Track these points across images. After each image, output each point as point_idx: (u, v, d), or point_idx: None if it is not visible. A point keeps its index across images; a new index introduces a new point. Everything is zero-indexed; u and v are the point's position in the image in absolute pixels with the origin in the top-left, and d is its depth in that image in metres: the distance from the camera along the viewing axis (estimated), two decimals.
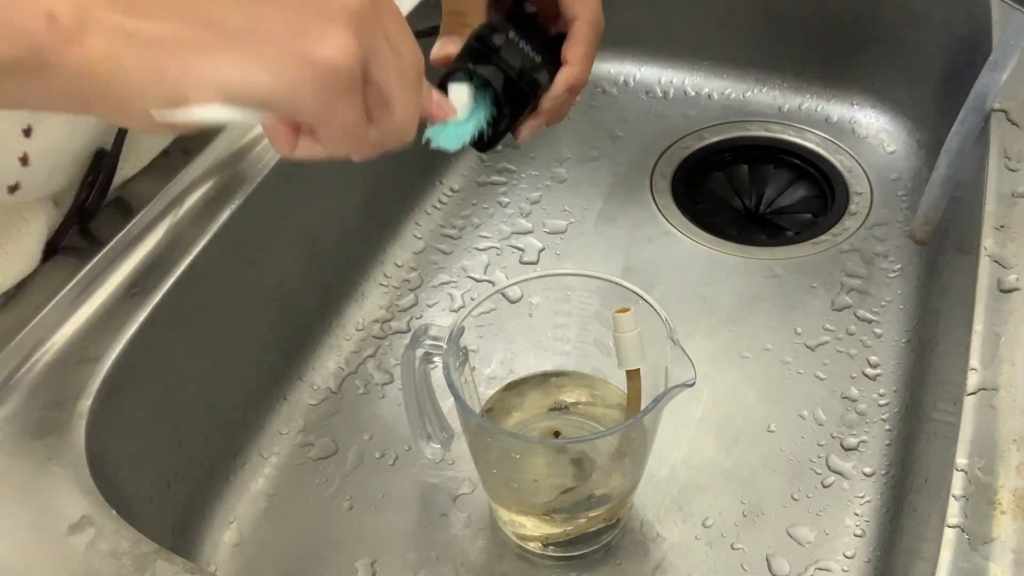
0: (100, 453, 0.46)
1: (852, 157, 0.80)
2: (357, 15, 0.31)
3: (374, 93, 0.34)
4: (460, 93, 0.42)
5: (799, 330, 0.66)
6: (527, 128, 0.46)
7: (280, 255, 0.63)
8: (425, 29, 0.49)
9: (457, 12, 0.45)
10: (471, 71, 0.43)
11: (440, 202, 0.78)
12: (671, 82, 0.89)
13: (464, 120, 0.42)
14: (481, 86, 0.43)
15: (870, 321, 0.67)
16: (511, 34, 0.43)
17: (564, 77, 0.45)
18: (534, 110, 0.46)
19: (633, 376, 0.50)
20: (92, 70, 0.29)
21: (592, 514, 0.53)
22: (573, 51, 0.45)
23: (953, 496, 0.41)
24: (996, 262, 0.51)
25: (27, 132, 0.48)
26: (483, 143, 0.45)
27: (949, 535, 0.40)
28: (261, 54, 0.30)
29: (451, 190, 0.79)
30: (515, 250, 0.74)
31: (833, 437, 0.60)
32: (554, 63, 0.46)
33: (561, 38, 0.46)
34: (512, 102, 0.44)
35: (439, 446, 0.55)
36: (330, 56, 0.30)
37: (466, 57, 0.43)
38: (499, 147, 0.47)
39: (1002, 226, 0.53)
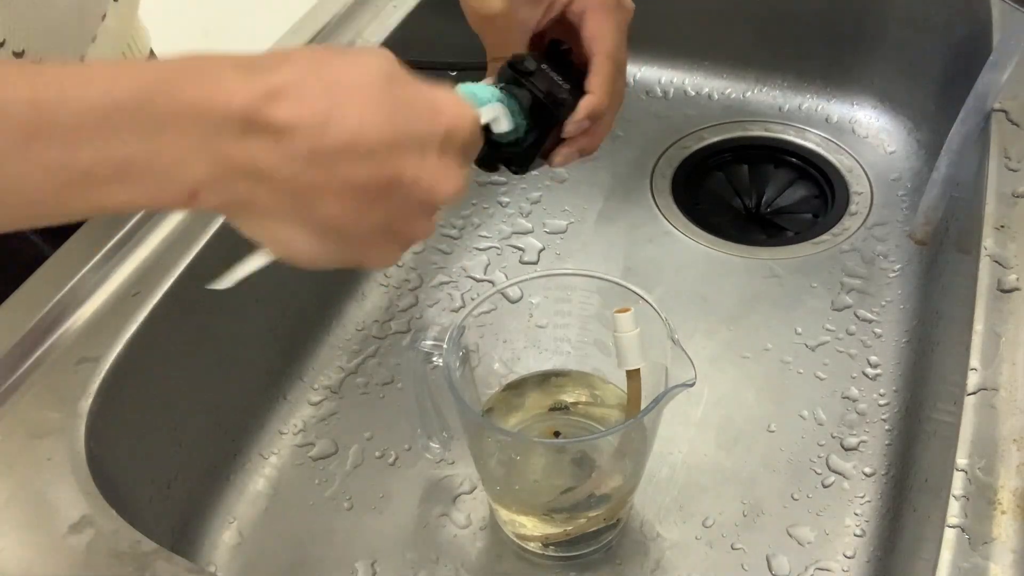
0: (100, 453, 0.46)
1: (852, 157, 0.80)
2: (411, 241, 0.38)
3: None
4: (489, 111, 0.44)
5: (799, 330, 0.66)
6: (559, 155, 0.49)
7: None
8: (468, 64, 0.54)
9: (501, 58, 0.49)
10: (502, 89, 0.46)
11: None
12: (671, 82, 0.89)
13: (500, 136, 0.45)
14: (512, 104, 0.46)
15: (870, 321, 0.67)
16: (542, 65, 0.47)
17: (584, 104, 0.48)
18: (560, 135, 0.49)
19: (633, 376, 0.50)
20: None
21: (592, 514, 0.53)
22: (592, 82, 0.49)
23: (953, 496, 0.41)
24: (996, 262, 0.51)
25: None
26: (517, 161, 0.48)
27: (949, 535, 0.40)
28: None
29: None
30: (515, 250, 0.74)
31: (833, 437, 0.60)
32: (582, 93, 0.49)
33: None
34: (538, 120, 0.47)
35: (439, 446, 0.55)
36: (379, 265, 0.39)
37: (499, 79, 0.47)
38: (535, 171, 0.50)
39: (1002, 226, 0.53)
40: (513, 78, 0.47)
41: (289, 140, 0.32)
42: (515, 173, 0.50)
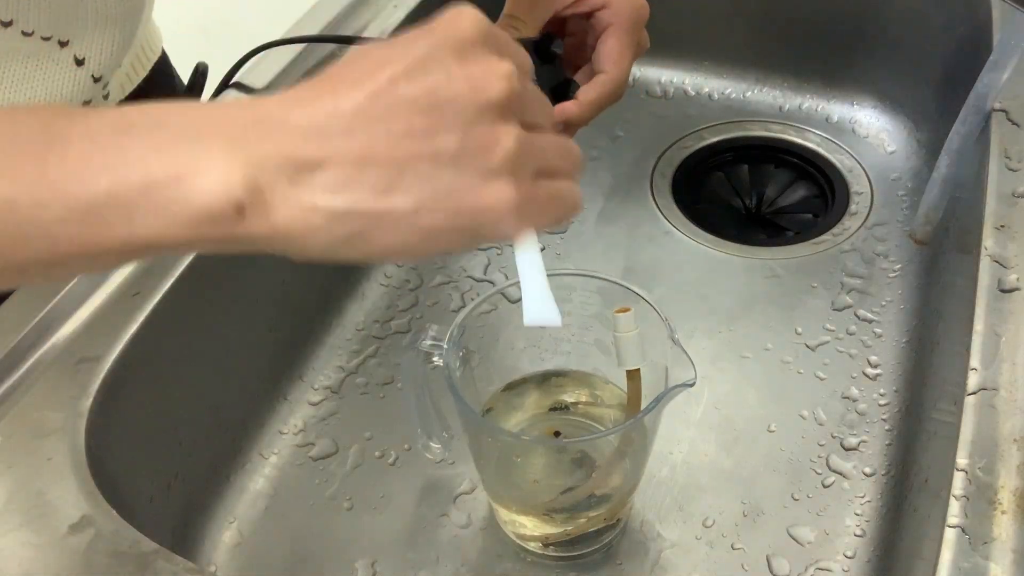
0: (100, 453, 0.46)
1: (852, 157, 0.80)
2: (511, 162, 0.31)
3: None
4: None
5: (799, 330, 0.66)
6: None
7: (280, 255, 0.63)
8: None
9: (513, 16, 0.48)
10: None
11: None
12: (671, 82, 0.89)
13: None
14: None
15: (870, 321, 0.67)
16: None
17: (561, 108, 0.46)
18: None
19: (633, 376, 0.50)
20: (277, 238, 0.31)
21: (592, 514, 0.53)
22: (584, 93, 0.48)
23: (953, 496, 0.41)
24: (996, 262, 0.51)
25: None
26: None
27: (949, 535, 0.40)
28: (425, 229, 0.31)
29: None
30: None
31: (833, 437, 0.60)
32: (557, 101, 0.48)
33: (573, 84, 0.50)
34: None
35: (440, 446, 0.55)
36: (499, 210, 0.33)
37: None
38: None
39: (1002, 226, 0.53)
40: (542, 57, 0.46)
41: (310, 110, 0.30)
42: None
